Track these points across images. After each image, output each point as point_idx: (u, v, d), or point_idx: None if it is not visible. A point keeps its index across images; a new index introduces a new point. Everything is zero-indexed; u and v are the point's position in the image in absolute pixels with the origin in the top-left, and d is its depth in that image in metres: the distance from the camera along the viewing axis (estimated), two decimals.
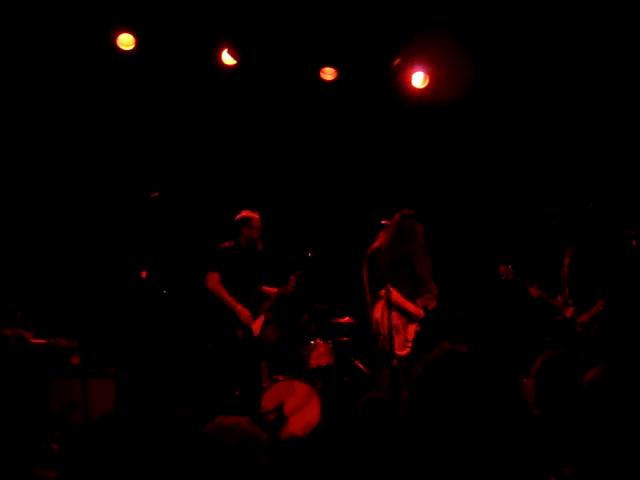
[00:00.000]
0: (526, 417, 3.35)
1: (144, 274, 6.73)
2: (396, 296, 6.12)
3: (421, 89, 8.22)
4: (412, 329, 6.19)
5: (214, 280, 6.56)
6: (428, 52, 8.04)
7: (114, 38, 7.59)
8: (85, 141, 8.01)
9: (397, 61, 8.12)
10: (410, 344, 6.12)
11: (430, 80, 8.17)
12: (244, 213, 6.78)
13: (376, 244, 6.27)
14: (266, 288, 6.91)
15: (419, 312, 6.24)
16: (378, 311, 6.10)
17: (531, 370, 3.54)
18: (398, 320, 6.15)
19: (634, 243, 6.38)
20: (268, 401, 6.54)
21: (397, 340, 6.05)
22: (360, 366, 7.22)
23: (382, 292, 6.09)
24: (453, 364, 1.80)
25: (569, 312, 6.35)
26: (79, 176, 7.98)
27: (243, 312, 6.54)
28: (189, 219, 8.19)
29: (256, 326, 6.68)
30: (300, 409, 6.53)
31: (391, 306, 6.01)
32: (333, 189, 8.59)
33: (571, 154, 8.10)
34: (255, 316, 6.68)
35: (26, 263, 7.44)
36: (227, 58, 7.88)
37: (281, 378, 6.71)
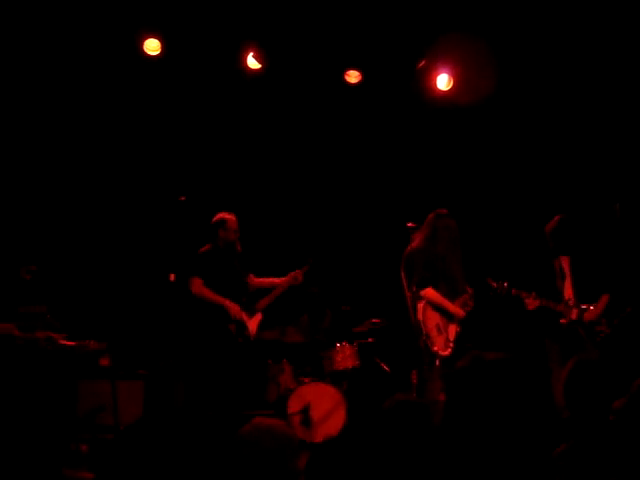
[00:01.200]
0: (555, 420, 3.37)
1: (172, 277, 6.79)
2: (436, 296, 6.12)
3: (445, 91, 8.22)
4: (453, 329, 6.18)
5: (198, 284, 6.56)
6: (452, 54, 8.03)
7: (141, 43, 7.66)
8: (114, 145, 8.09)
9: (421, 63, 8.12)
10: (452, 344, 6.10)
11: (454, 82, 8.16)
12: (220, 215, 6.78)
13: (413, 245, 6.27)
14: (261, 279, 6.93)
15: (459, 312, 6.20)
16: (420, 311, 6.08)
17: (562, 374, 3.54)
18: (439, 320, 6.14)
19: None
20: (294, 403, 6.58)
21: (439, 340, 6.04)
22: (385, 368, 7.24)
23: (423, 292, 6.09)
24: (482, 371, 1.82)
25: (574, 313, 6.30)
26: (110, 181, 8.07)
27: (232, 307, 6.55)
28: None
29: (252, 325, 6.69)
30: (326, 411, 6.56)
31: (434, 306, 6.04)
32: (359, 191, 8.61)
33: (591, 155, 8.07)
34: (251, 314, 6.70)
35: (57, 266, 7.53)
36: (252, 62, 7.92)
37: (307, 380, 6.74)
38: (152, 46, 7.72)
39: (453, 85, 8.18)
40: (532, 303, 6.23)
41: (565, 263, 6.47)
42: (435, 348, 5.96)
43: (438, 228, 6.26)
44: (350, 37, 7.89)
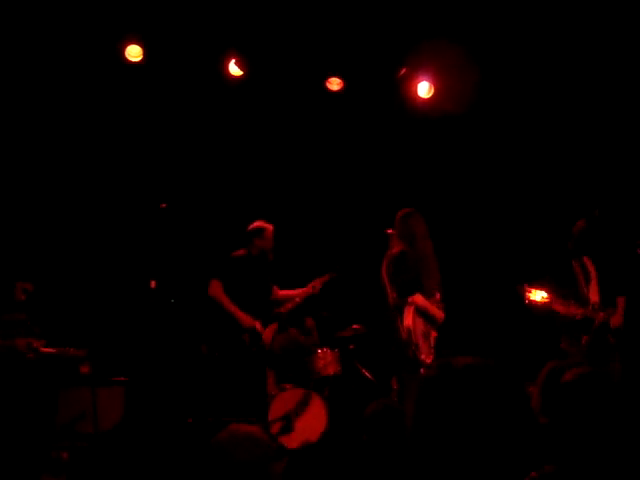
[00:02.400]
0: (533, 426, 3.38)
1: (153, 284, 6.79)
2: (423, 302, 6.00)
3: (426, 99, 8.26)
4: (433, 336, 6.11)
5: (217, 288, 6.60)
6: (434, 62, 8.07)
7: (122, 49, 7.65)
8: (94, 152, 8.07)
9: (403, 71, 8.16)
10: (433, 351, 6.00)
11: (435, 90, 8.20)
12: (258, 224, 6.81)
13: (394, 250, 6.18)
14: (285, 291, 6.96)
15: (442, 316, 6.10)
16: (409, 318, 5.88)
17: (537, 379, 3.57)
18: (424, 326, 6.06)
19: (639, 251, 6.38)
20: (275, 410, 6.57)
21: (424, 348, 5.93)
22: (367, 374, 7.25)
23: (412, 299, 5.93)
24: (449, 378, 1.81)
25: (600, 317, 6.19)
26: (89, 187, 8.04)
27: (245, 319, 6.57)
28: (197, 229, 8.24)
29: (267, 334, 6.72)
30: (307, 418, 6.55)
31: (420, 312, 5.95)
32: (339, 198, 8.63)
33: (575, 164, 8.12)
34: (266, 325, 6.73)
35: (36, 273, 7.49)
36: (234, 69, 7.93)
37: (288, 387, 6.74)
38: (134, 52, 7.71)
39: (434, 93, 8.22)
40: (568, 311, 6.00)
41: (589, 265, 6.41)
42: (422, 356, 5.87)
43: (411, 227, 6.18)
44: (332, 44, 7.92)
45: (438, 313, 6.06)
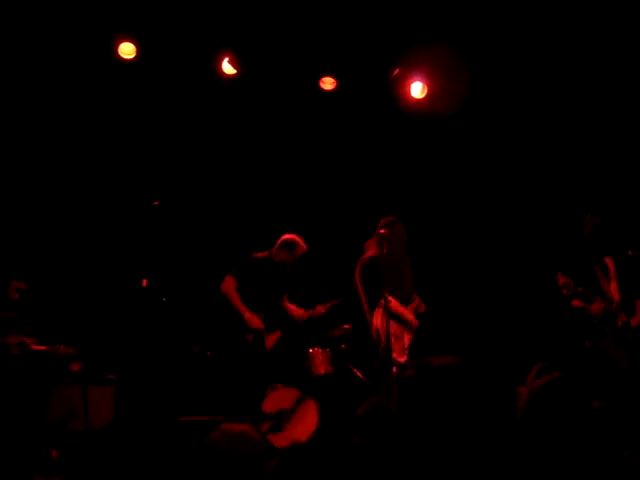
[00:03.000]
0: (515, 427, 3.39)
1: (144, 282, 6.78)
2: (395, 304, 6.15)
3: (420, 99, 8.27)
4: (407, 337, 6.21)
5: (230, 285, 6.61)
6: (427, 63, 8.08)
7: (115, 47, 7.63)
8: (87, 149, 8.05)
9: (396, 71, 8.17)
10: (407, 352, 6.15)
11: (428, 90, 8.21)
12: (295, 238, 6.82)
13: (369, 253, 6.28)
14: (291, 306, 6.98)
15: (414, 320, 6.25)
16: (378, 319, 6.10)
17: (527, 379, 3.57)
18: (396, 328, 6.17)
19: (630, 253, 6.41)
20: (266, 409, 6.56)
21: (396, 347, 6.07)
22: (358, 374, 7.25)
23: (383, 301, 6.08)
24: (429, 378, 1.81)
25: (622, 317, 6.28)
26: (81, 184, 8.01)
27: (252, 320, 6.57)
28: (190, 228, 8.22)
29: (270, 340, 6.72)
30: (298, 417, 6.55)
31: (390, 314, 6.05)
32: (331, 197, 8.64)
33: (568, 164, 8.15)
34: (271, 330, 6.74)
35: (27, 271, 7.46)
36: (227, 67, 7.92)
37: (279, 386, 6.73)
38: (127, 50, 7.70)
39: (427, 93, 8.23)
40: (598, 308, 6.26)
41: (610, 264, 6.47)
42: (394, 355, 5.97)
43: (388, 235, 6.25)
44: (325, 44, 7.92)
45: (410, 317, 6.21)
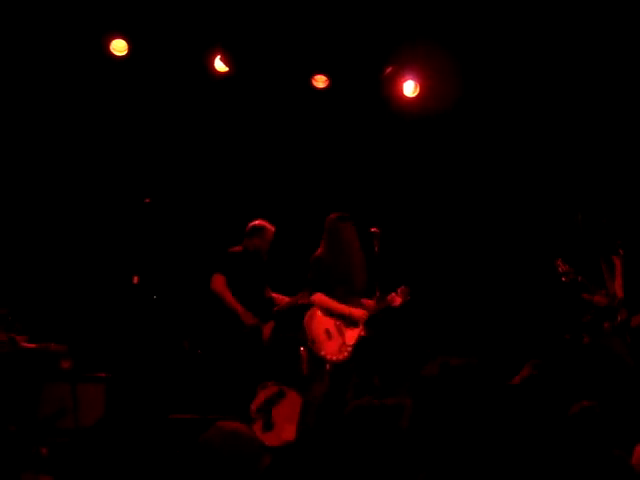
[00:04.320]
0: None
1: (135, 279, 6.76)
2: (327, 301, 6.09)
3: (412, 98, 8.28)
4: (353, 334, 6.15)
5: (219, 282, 6.59)
6: (419, 61, 8.09)
7: (107, 44, 7.61)
8: (78, 146, 8.02)
9: (388, 70, 8.17)
10: (349, 349, 6.09)
11: (421, 89, 8.22)
12: (260, 223, 6.79)
13: (319, 250, 6.28)
14: (275, 295, 6.96)
15: (359, 315, 6.17)
16: (306, 316, 6.08)
17: (519, 375, 3.58)
18: (331, 325, 6.13)
19: (621, 252, 6.44)
20: (257, 407, 6.56)
21: (329, 345, 6.02)
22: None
23: (312, 298, 6.08)
24: (450, 378, 1.83)
25: (623, 314, 6.28)
26: (72, 181, 7.99)
27: (246, 316, 6.57)
28: (181, 225, 8.21)
29: (266, 331, 6.72)
30: (289, 415, 6.55)
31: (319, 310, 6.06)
32: (323, 195, 8.63)
33: (560, 162, 8.17)
34: (265, 321, 6.74)
35: (18, 268, 7.45)
36: (219, 65, 7.91)
37: (270, 384, 6.73)
38: (119, 47, 7.68)
39: (420, 92, 8.24)
40: (599, 299, 6.28)
41: (617, 262, 6.44)
42: (322, 353, 5.96)
43: (333, 232, 6.22)
44: (318, 42, 7.91)
45: (349, 311, 6.11)
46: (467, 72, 7.98)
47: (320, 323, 6.05)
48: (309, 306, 6.13)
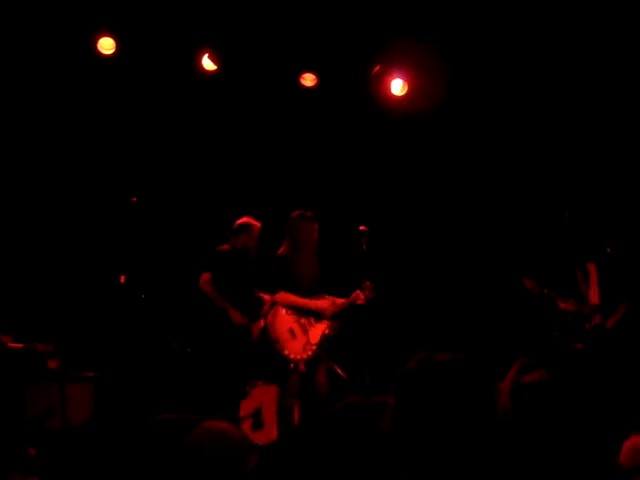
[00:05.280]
0: (502, 423, 3.39)
1: (122, 278, 6.73)
2: (290, 298, 6.11)
3: (400, 96, 8.28)
4: (317, 331, 6.15)
5: (208, 281, 6.58)
6: (407, 60, 8.09)
7: (95, 42, 7.58)
8: (64, 144, 7.98)
9: (377, 68, 8.17)
10: (314, 347, 6.09)
11: (409, 88, 8.23)
12: (246, 220, 6.78)
13: (281, 248, 6.30)
14: (264, 295, 6.96)
15: (324, 306, 6.20)
16: (269, 315, 6.14)
17: (507, 375, 3.57)
18: (294, 324, 6.13)
19: (609, 250, 6.46)
20: (247, 406, 6.54)
21: (292, 344, 6.06)
22: (338, 370, 7.25)
23: (276, 297, 6.17)
24: (432, 373, 1.82)
25: (598, 318, 6.32)
26: (58, 180, 7.94)
27: (236, 314, 6.56)
28: (168, 224, 8.18)
29: (255, 330, 6.71)
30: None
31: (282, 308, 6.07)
32: (311, 193, 8.61)
33: (548, 161, 8.19)
34: (254, 320, 6.73)
35: (3, 267, 7.40)
36: (207, 63, 7.89)
37: (260, 383, 6.72)
38: (107, 45, 7.65)
39: (408, 90, 8.24)
40: (568, 307, 6.32)
41: (592, 270, 6.50)
42: (285, 352, 5.95)
43: (295, 230, 6.29)
44: (306, 40, 7.90)
45: (314, 306, 6.16)
46: (455, 71, 7.98)
47: (283, 322, 6.06)
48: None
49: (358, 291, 6.34)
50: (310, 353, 6.02)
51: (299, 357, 5.98)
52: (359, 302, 6.39)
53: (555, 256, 7.09)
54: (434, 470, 1.76)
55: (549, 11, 7.39)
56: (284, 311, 6.06)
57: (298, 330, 6.08)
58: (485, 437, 1.79)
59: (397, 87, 8.25)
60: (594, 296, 6.40)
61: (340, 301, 6.43)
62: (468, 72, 8.09)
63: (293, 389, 5.93)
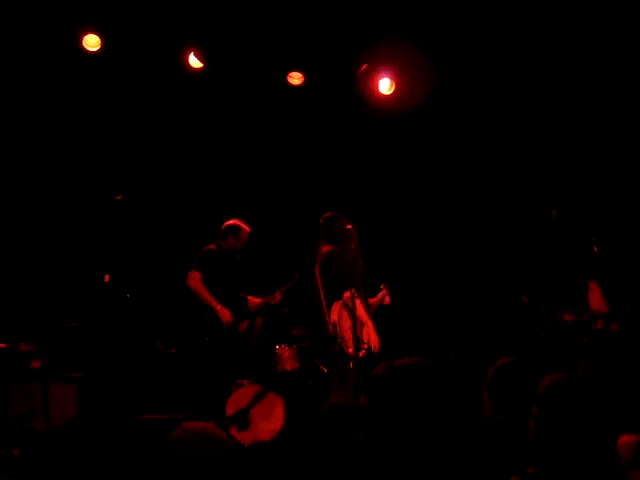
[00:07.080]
0: (481, 424, 3.38)
1: (107, 278, 6.70)
2: (353, 299, 6.10)
3: (387, 95, 8.27)
4: (366, 331, 6.19)
5: (196, 279, 6.57)
6: (395, 59, 8.08)
7: (80, 39, 7.54)
8: (49, 142, 7.94)
9: (364, 67, 8.16)
10: (366, 346, 6.12)
11: (396, 86, 8.22)
12: (237, 222, 6.79)
13: (325, 249, 6.30)
14: (249, 297, 6.95)
15: (368, 312, 6.23)
16: (335, 313, 6.08)
17: (487, 373, 3.57)
18: (352, 321, 6.14)
19: (596, 250, 6.46)
20: (232, 406, 6.52)
21: (352, 341, 6.00)
22: (325, 370, 7.23)
23: (345, 295, 6.07)
24: (397, 377, 1.82)
25: (599, 325, 6.33)
26: (42, 178, 7.90)
27: (224, 312, 6.55)
28: (153, 222, 8.15)
29: (241, 329, 6.71)
30: (264, 414, 6.51)
31: (352, 309, 6.05)
32: (297, 192, 8.60)
33: (535, 160, 8.20)
34: (239, 319, 6.72)
35: None
36: (194, 61, 7.86)
37: (246, 383, 6.69)
38: (92, 42, 7.62)
39: (395, 89, 8.24)
40: (568, 318, 6.32)
41: (594, 288, 6.44)
42: (350, 350, 5.97)
43: (343, 230, 6.27)
44: (294, 39, 7.89)
45: (365, 312, 6.19)
46: (442, 69, 7.98)
47: (346, 320, 6.09)
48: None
49: (385, 291, 6.44)
50: (364, 352, 6.06)
51: (355, 354, 6.02)
52: (386, 303, 6.48)
53: (548, 264, 7.10)
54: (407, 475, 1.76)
55: (535, 9, 7.39)
56: (345, 309, 6.08)
57: (355, 328, 6.13)
58: (452, 436, 1.80)
59: (385, 86, 8.25)
60: (597, 302, 6.42)
61: (372, 301, 6.49)
62: (455, 71, 8.09)
63: (351, 386, 5.95)
